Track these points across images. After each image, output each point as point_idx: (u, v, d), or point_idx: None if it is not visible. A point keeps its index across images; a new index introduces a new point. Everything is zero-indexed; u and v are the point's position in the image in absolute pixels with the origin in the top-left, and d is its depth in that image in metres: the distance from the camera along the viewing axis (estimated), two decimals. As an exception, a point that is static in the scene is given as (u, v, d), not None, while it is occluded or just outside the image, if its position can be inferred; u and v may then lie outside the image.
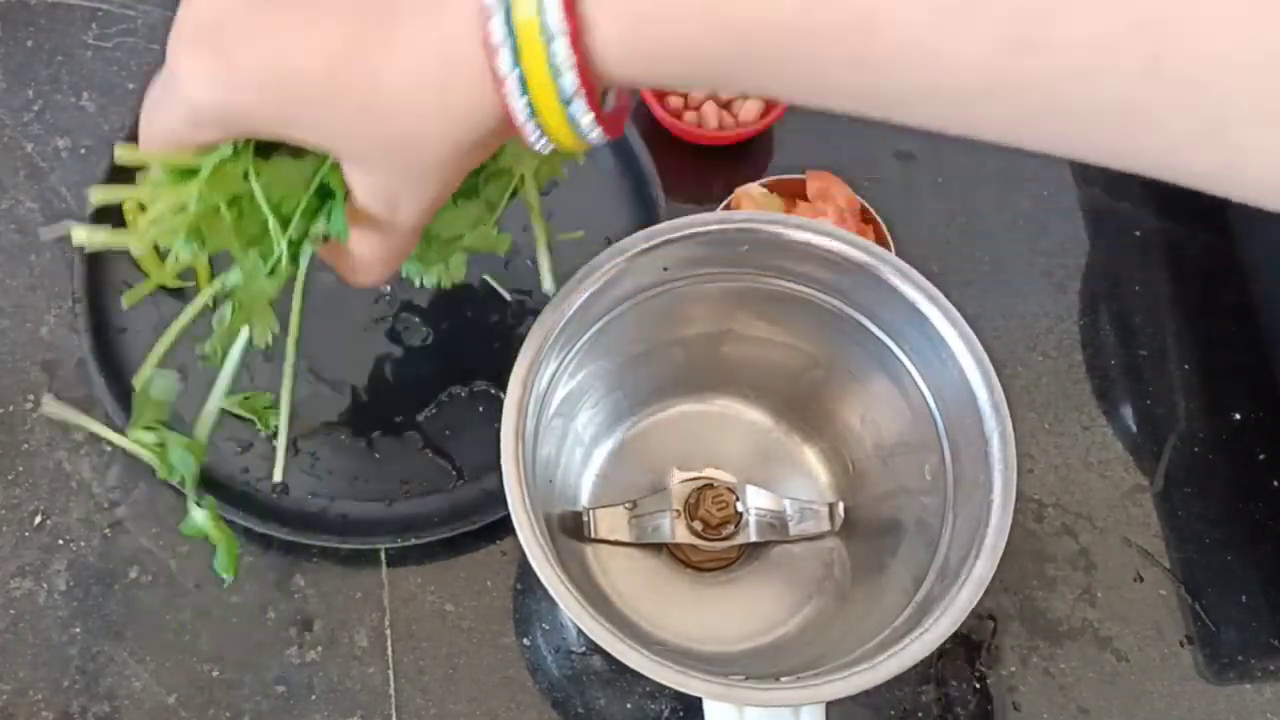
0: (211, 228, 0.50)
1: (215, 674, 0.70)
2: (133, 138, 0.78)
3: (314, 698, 0.70)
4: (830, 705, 0.57)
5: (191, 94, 0.46)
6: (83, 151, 0.81)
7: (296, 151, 0.50)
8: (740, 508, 0.66)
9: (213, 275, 0.78)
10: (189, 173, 0.50)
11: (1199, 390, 0.79)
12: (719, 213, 0.62)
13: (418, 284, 0.67)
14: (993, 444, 0.58)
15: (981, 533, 0.57)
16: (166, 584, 0.72)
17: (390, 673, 0.71)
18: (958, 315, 0.60)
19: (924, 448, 0.63)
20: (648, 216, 0.79)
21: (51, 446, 0.75)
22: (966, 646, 0.73)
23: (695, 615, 0.69)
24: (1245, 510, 0.77)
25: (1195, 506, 0.77)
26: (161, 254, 0.61)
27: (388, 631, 0.72)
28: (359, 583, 0.73)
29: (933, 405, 0.63)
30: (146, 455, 0.65)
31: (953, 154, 0.85)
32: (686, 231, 0.61)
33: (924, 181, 0.84)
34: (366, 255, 0.53)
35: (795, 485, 0.71)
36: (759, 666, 0.66)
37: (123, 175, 0.78)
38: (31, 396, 0.76)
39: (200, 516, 0.63)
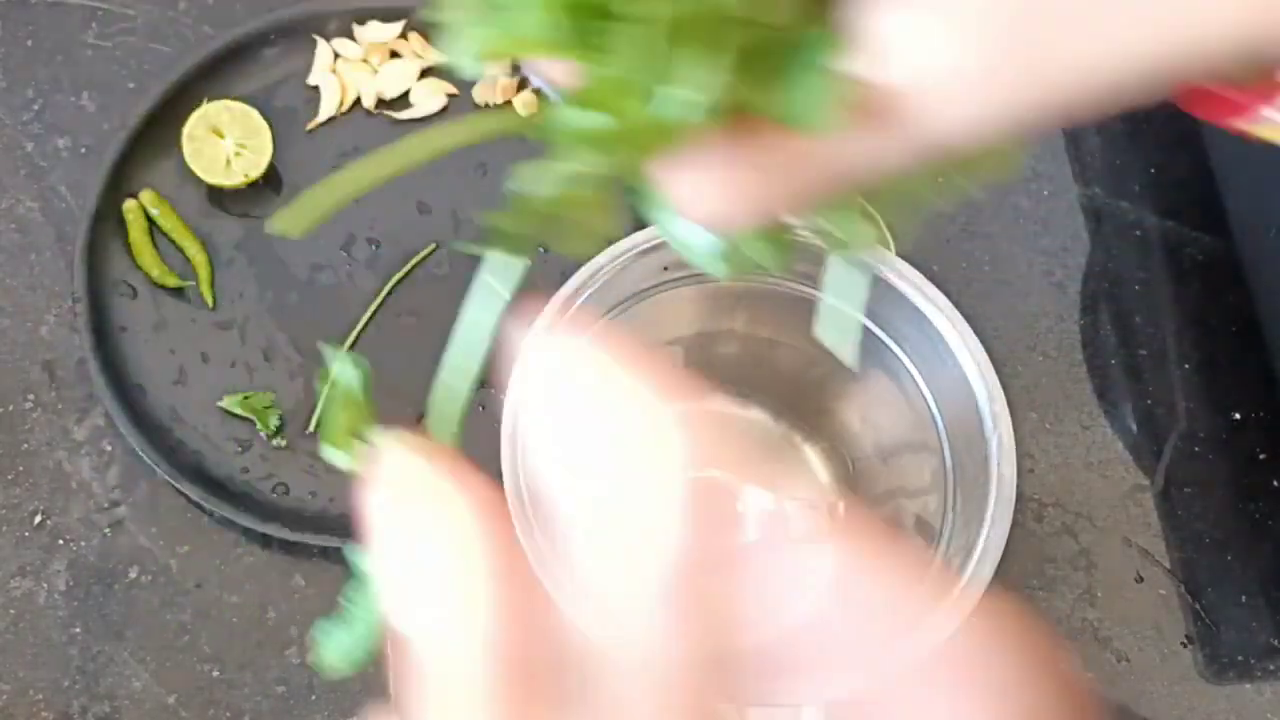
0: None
1: (215, 674, 0.70)
2: (135, 137, 0.78)
3: (314, 698, 0.70)
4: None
5: None
6: (83, 151, 0.81)
7: None
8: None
9: (213, 275, 0.78)
10: None
11: (1199, 390, 0.79)
12: (719, 212, 0.62)
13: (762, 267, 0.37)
14: (993, 444, 0.58)
15: (981, 532, 0.56)
16: (166, 584, 0.72)
17: (390, 673, 0.71)
18: (958, 315, 0.60)
19: (924, 448, 0.63)
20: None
21: (51, 446, 0.75)
22: (967, 646, 0.73)
23: (695, 615, 0.69)
24: (1245, 510, 0.77)
25: (1195, 506, 0.77)
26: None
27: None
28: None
29: (933, 405, 0.63)
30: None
31: (953, 154, 0.84)
32: (686, 231, 0.61)
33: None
34: (814, 170, 0.28)
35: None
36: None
37: (122, 175, 0.79)
38: (31, 396, 0.76)
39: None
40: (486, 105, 0.83)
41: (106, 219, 0.78)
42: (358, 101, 0.83)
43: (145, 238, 0.78)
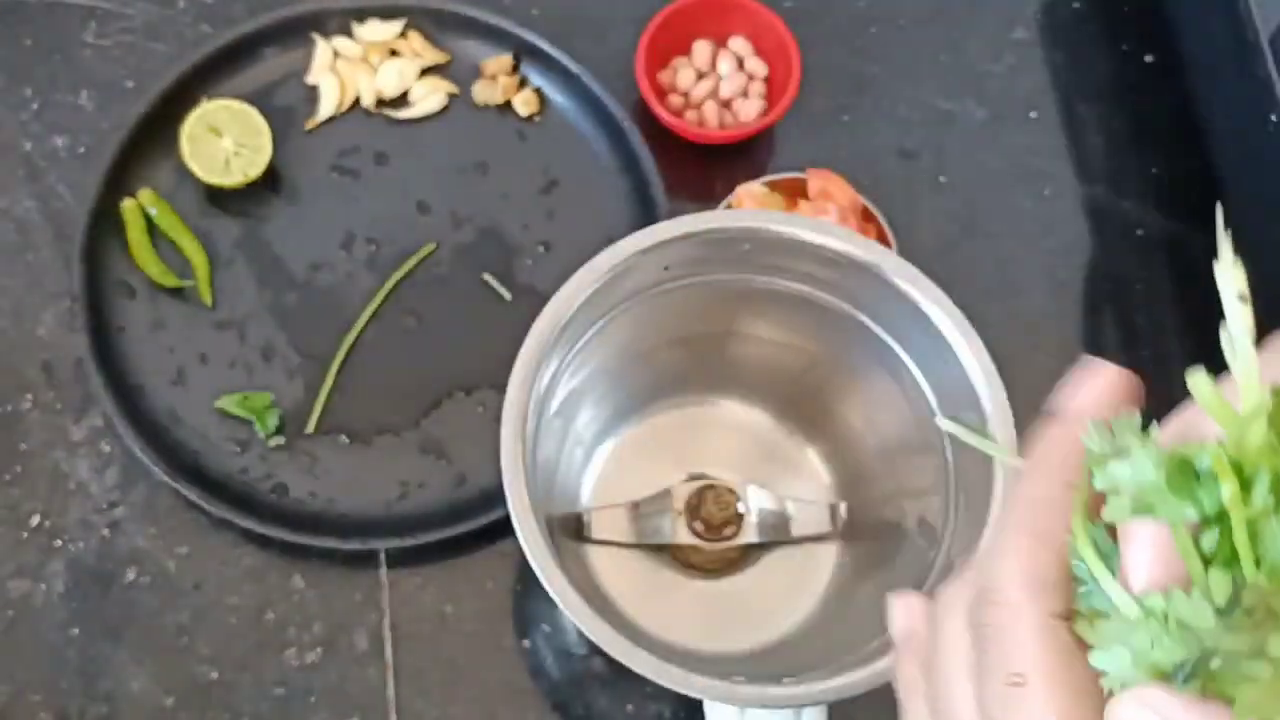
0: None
1: (213, 676, 0.70)
2: (133, 136, 0.78)
3: (313, 700, 0.70)
4: (832, 706, 0.56)
5: None
6: (81, 150, 0.81)
7: None
8: (742, 508, 0.66)
9: (212, 275, 0.78)
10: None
11: (1201, 390, 0.79)
12: (719, 212, 0.62)
13: None
14: (995, 444, 0.58)
15: (984, 533, 0.56)
16: (164, 585, 0.72)
17: (390, 674, 0.71)
18: (960, 315, 0.59)
19: (926, 448, 0.63)
20: (648, 216, 0.78)
21: (49, 447, 0.74)
22: (968, 647, 0.73)
23: (696, 616, 0.68)
24: (1248, 511, 0.77)
25: (1198, 507, 0.76)
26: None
27: (387, 633, 0.71)
28: (358, 584, 0.72)
29: (934, 405, 0.62)
30: None
31: (955, 153, 0.84)
32: (686, 231, 0.60)
33: (925, 181, 0.84)
34: None
35: (797, 485, 0.71)
36: (760, 667, 0.66)
37: (121, 175, 0.78)
38: (29, 396, 0.75)
39: None
40: (486, 105, 0.83)
41: (105, 219, 0.77)
42: (357, 101, 0.83)
43: (144, 237, 0.78)
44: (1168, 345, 0.80)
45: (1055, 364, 0.84)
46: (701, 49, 0.83)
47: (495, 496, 0.72)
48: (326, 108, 0.82)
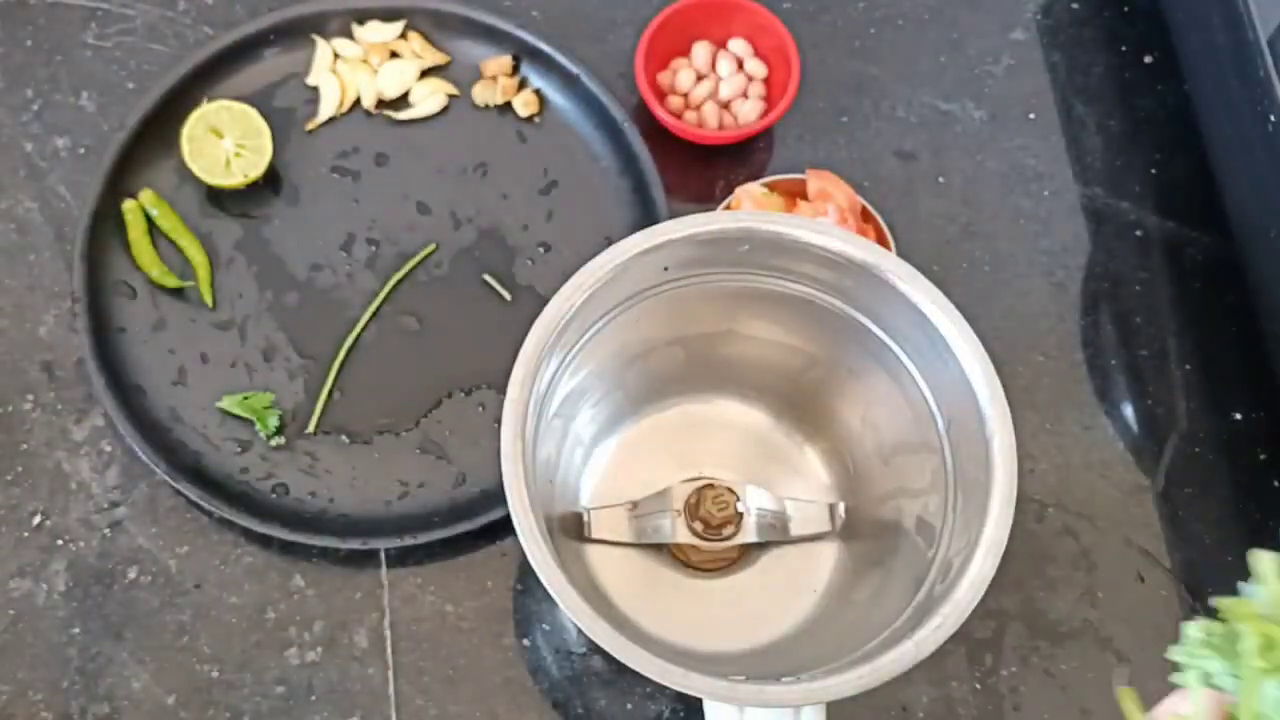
0: None
1: (215, 674, 0.70)
2: (134, 137, 0.78)
3: (314, 698, 0.70)
4: (831, 705, 0.57)
5: None
6: (82, 151, 0.81)
7: None
8: (741, 508, 0.66)
9: (213, 275, 0.78)
10: None
11: (1199, 390, 0.79)
12: (719, 213, 0.62)
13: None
14: (993, 444, 0.58)
15: (982, 533, 0.56)
16: (165, 584, 0.72)
17: (390, 673, 0.71)
18: (958, 315, 0.60)
19: (924, 448, 0.63)
20: (648, 216, 0.79)
21: (51, 447, 0.74)
22: (967, 646, 0.73)
23: (696, 616, 0.69)
24: (1245, 510, 0.77)
25: (1196, 506, 0.77)
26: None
27: (387, 632, 0.72)
28: (359, 583, 0.72)
29: (933, 405, 0.63)
30: None
31: (953, 154, 0.85)
32: (686, 231, 0.61)
33: (924, 181, 0.84)
34: None
35: (795, 485, 0.71)
36: (760, 666, 0.66)
37: (121, 175, 0.79)
38: (31, 396, 0.76)
39: None
40: (486, 106, 0.83)
41: (106, 219, 0.78)
42: (357, 101, 0.83)
43: (145, 238, 0.78)
44: (1166, 345, 0.80)
45: (1054, 364, 0.85)
46: (701, 50, 0.83)
47: (495, 496, 0.73)
48: (327, 109, 0.82)
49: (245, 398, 0.75)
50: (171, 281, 0.77)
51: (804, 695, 0.54)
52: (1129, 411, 0.79)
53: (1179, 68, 0.87)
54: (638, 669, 0.53)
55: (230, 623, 0.71)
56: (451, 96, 0.83)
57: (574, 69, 0.82)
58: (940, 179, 0.84)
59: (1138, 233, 0.84)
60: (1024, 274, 0.82)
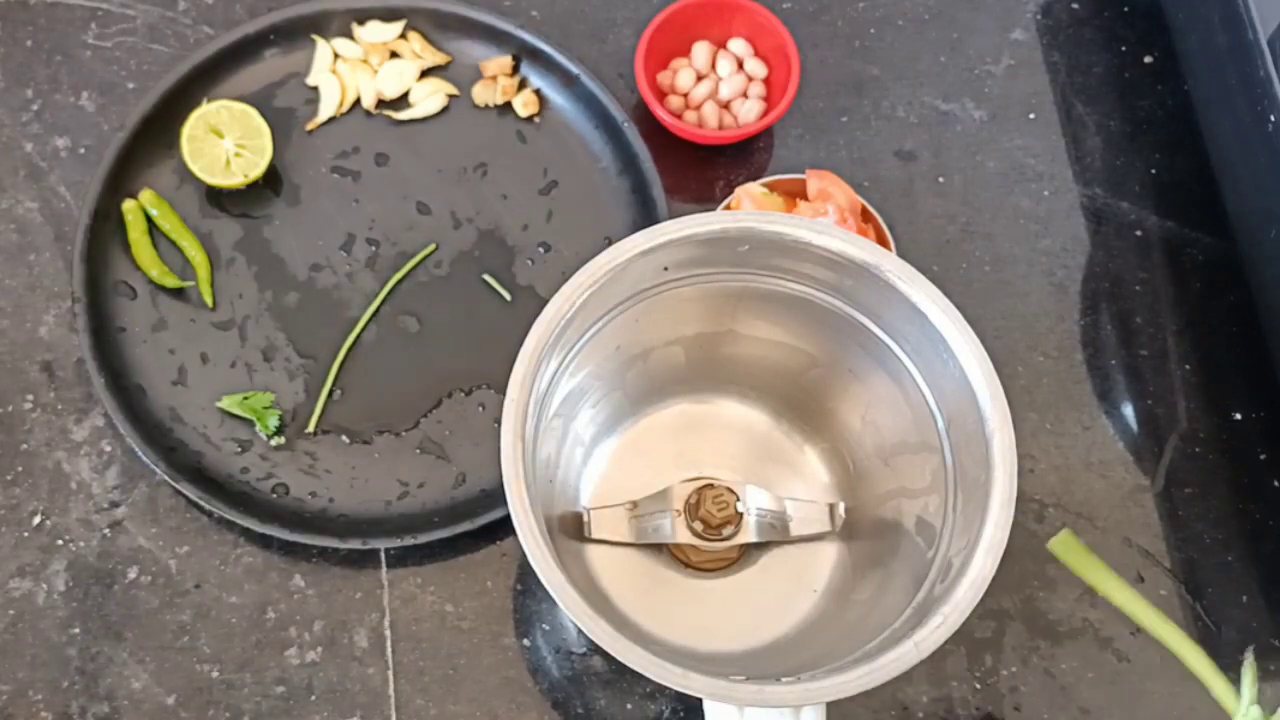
0: None
1: (215, 674, 0.70)
2: (134, 137, 0.78)
3: (314, 698, 0.70)
4: (831, 705, 0.57)
5: None
6: (82, 151, 0.81)
7: None
8: (741, 508, 0.66)
9: (213, 275, 0.78)
10: None
11: (1199, 390, 0.79)
12: (719, 213, 0.62)
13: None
14: (993, 444, 0.58)
15: (982, 533, 0.56)
16: (165, 584, 0.72)
17: (390, 673, 0.71)
18: (958, 315, 0.60)
19: (924, 448, 0.63)
20: (648, 216, 0.79)
21: (51, 446, 0.75)
22: (967, 646, 0.73)
23: (695, 615, 0.69)
24: (1245, 510, 0.77)
25: (1196, 506, 0.77)
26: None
27: (387, 632, 0.72)
28: (359, 583, 0.72)
29: (933, 405, 0.63)
30: None
31: (953, 154, 0.85)
32: (686, 231, 0.61)
33: (924, 181, 0.84)
34: None
35: (795, 485, 0.71)
36: (759, 667, 0.66)
37: (122, 175, 0.79)
38: (31, 396, 0.76)
39: None
40: (486, 106, 0.83)
41: (106, 219, 0.78)
42: (357, 102, 0.83)
43: (145, 238, 0.78)
44: (1166, 345, 0.80)
45: (1053, 364, 0.85)
46: (701, 50, 0.83)
47: (495, 496, 0.73)
48: (327, 109, 0.82)
49: (245, 398, 0.75)
50: (171, 281, 0.77)
51: (804, 695, 0.54)
52: (1129, 411, 0.79)
53: (1179, 68, 0.87)
54: (638, 669, 0.53)
55: (230, 623, 0.71)
56: (451, 96, 0.83)
57: (574, 69, 0.82)
58: (940, 179, 0.84)
59: (1138, 233, 0.84)
60: (1024, 274, 0.82)
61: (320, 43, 0.83)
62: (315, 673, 0.71)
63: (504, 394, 0.58)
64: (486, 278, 0.79)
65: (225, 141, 0.79)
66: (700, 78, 0.83)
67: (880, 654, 0.55)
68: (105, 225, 0.77)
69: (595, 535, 0.68)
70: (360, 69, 0.83)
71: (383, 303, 0.78)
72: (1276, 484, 0.78)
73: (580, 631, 0.55)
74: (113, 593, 0.72)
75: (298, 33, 0.83)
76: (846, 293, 0.63)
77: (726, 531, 0.66)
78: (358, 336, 0.78)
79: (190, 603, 0.72)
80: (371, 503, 0.74)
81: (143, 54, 0.84)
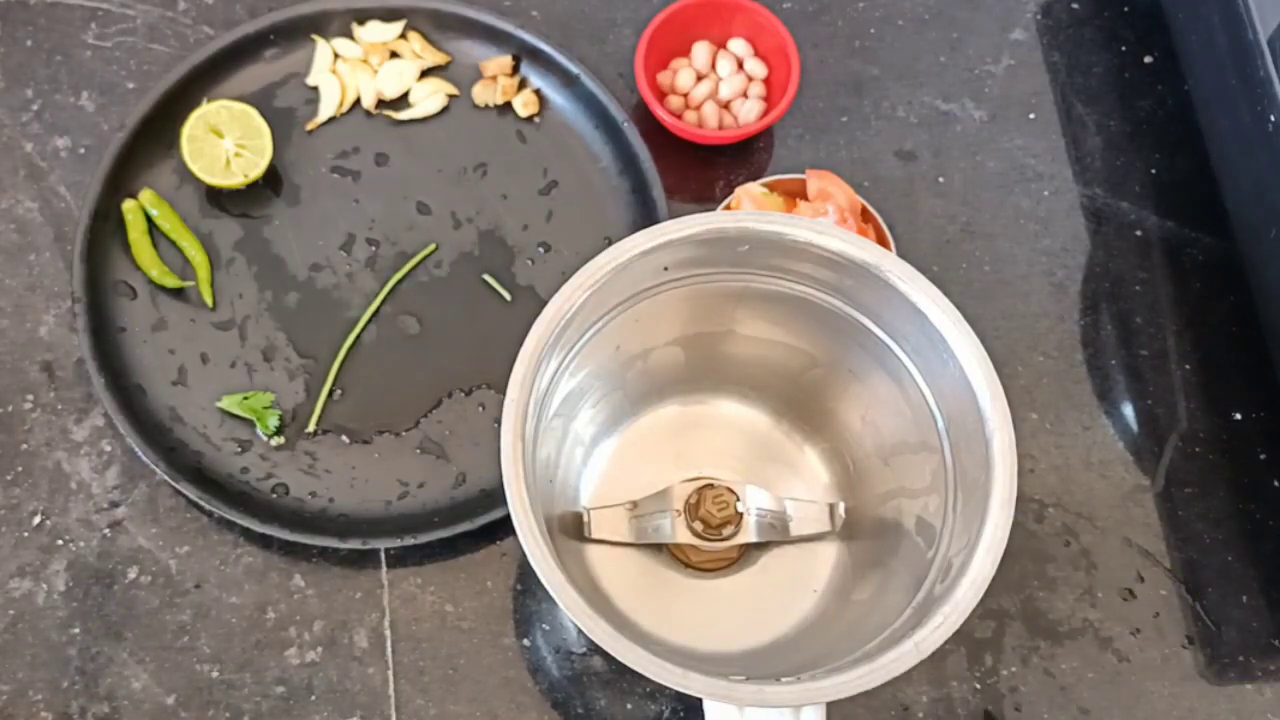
0: None
1: (215, 674, 0.70)
2: (134, 137, 0.78)
3: (314, 698, 0.70)
4: (831, 705, 0.57)
5: None
6: (82, 151, 0.81)
7: None
8: (741, 508, 0.66)
9: (213, 275, 0.78)
10: None
11: (1199, 390, 0.79)
12: (719, 213, 0.62)
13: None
14: (993, 444, 0.58)
15: (982, 532, 0.56)
16: (165, 584, 0.72)
17: (390, 673, 0.71)
18: (958, 315, 0.60)
19: (924, 448, 0.63)
20: (648, 216, 0.79)
21: (51, 447, 0.75)
22: (967, 646, 0.73)
23: (695, 615, 0.69)
24: (1246, 510, 0.77)
25: (1196, 506, 0.77)
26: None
27: (387, 632, 0.72)
28: (359, 583, 0.72)
29: (933, 405, 0.63)
30: None
31: (954, 154, 0.85)
32: (686, 231, 0.61)
33: (924, 181, 0.84)
34: None
35: (795, 485, 0.71)
36: (759, 667, 0.66)
37: (122, 175, 0.79)
38: (31, 396, 0.76)
39: None
40: (486, 106, 0.83)
41: (106, 219, 0.78)
42: (357, 102, 0.83)
43: (145, 238, 0.78)
44: (1166, 345, 0.80)
45: (1053, 364, 0.85)
46: (701, 50, 0.83)
47: (495, 496, 0.73)
48: (327, 109, 0.82)
49: (245, 398, 0.75)
50: (171, 281, 0.77)
51: (804, 695, 0.54)
52: (1129, 411, 0.79)
53: (1179, 68, 0.87)
54: (637, 669, 0.53)
55: (230, 623, 0.71)
56: (451, 96, 0.83)
57: (574, 69, 0.82)
58: (940, 179, 0.84)
59: (1138, 233, 0.84)
60: (1024, 274, 0.82)
61: (320, 43, 0.83)
62: (315, 673, 0.71)
63: (504, 394, 0.58)
64: (486, 278, 0.79)
65: (225, 141, 0.79)
66: (700, 78, 0.83)
67: (880, 654, 0.55)
68: (105, 225, 0.77)
69: (595, 535, 0.68)
70: (360, 69, 0.83)
71: (383, 303, 0.78)
72: (1276, 484, 0.78)
73: (580, 631, 0.55)
74: (113, 593, 0.72)
75: (298, 33, 0.83)
76: (846, 293, 0.63)
77: (726, 531, 0.66)
78: (358, 336, 0.78)
79: (190, 603, 0.72)
80: (371, 503, 0.74)
81: (143, 54, 0.84)
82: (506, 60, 0.83)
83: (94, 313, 0.76)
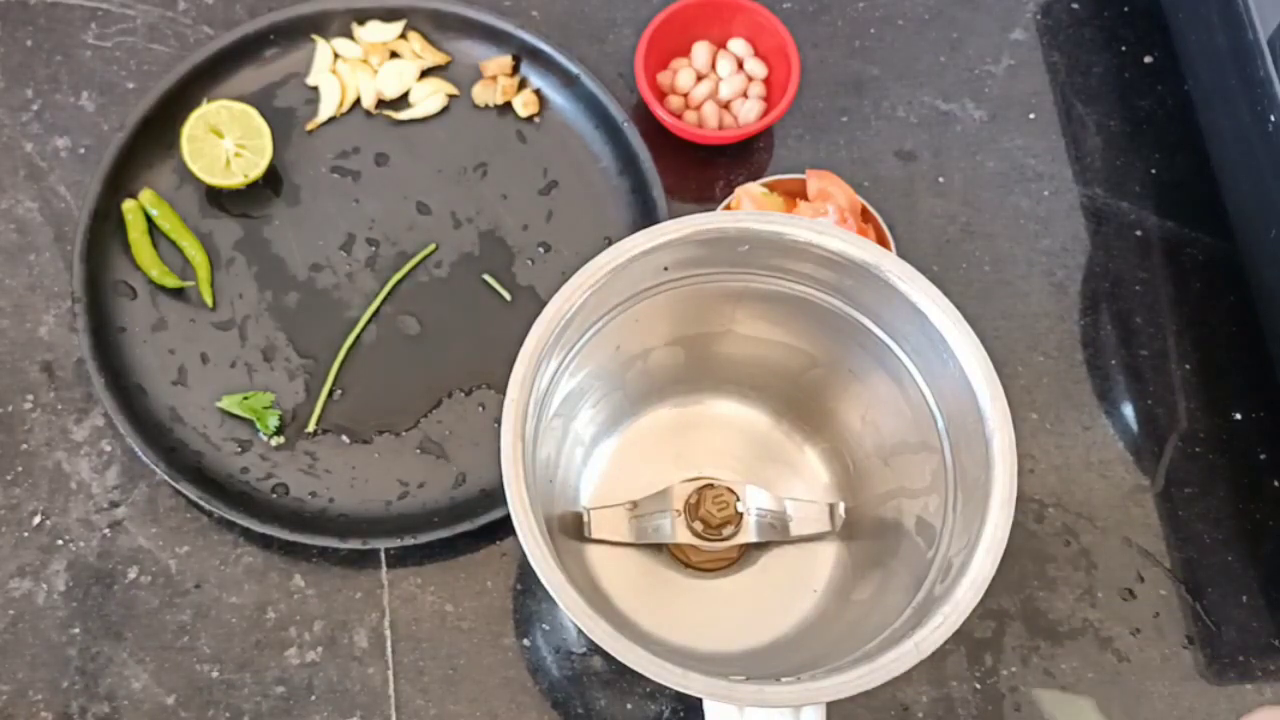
0: None
1: (215, 674, 0.70)
2: (134, 137, 0.78)
3: (314, 698, 0.70)
4: (831, 705, 0.57)
5: None
6: (82, 151, 0.81)
7: None
8: (741, 508, 0.66)
9: (213, 275, 0.78)
10: None
11: (1199, 390, 0.79)
12: (719, 213, 0.62)
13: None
14: (993, 444, 0.58)
15: (982, 533, 0.56)
16: (165, 584, 0.72)
17: (390, 673, 0.71)
18: (958, 315, 0.60)
19: (924, 448, 0.63)
20: (648, 216, 0.79)
21: (51, 446, 0.75)
22: (967, 646, 0.73)
23: (695, 615, 0.69)
24: (1245, 510, 0.77)
25: (1196, 506, 0.77)
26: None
27: (387, 632, 0.72)
28: (359, 583, 0.72)
29: (933, 405, 0.63)
30: None
31: (954, 154, 0.85)
32: (686, 231, 0.61)
33: (924, 181, 0.84)
34: None
35: (795, 485, 0.71)
36: (759, 666, 0.66)
37: (122, 175, 0.79)
38: (31, 396, 0.76)
39: None
40: (486, 106, 0.83)
41: (106, 219, 0.78)
42: (357, 102, 0.83)
43: (145, 238, 0.78)
44: (1166, 345, 0.80)
45: (1053, 364, 0.85)
46: (701, 50, 0.83)
47: (495, 496, 0.73)
48: (327, 109, 0.82)
49: (245, 398, 0.75)
50: (171, 281, 0.77)
51: (804, 695, 0.54)
52: (1129, 411, 0.79)
53: (1179, 68, 0.87)
54: (637, 669, 0.53)
55: (230, 623, 0.71)
56: (451, 96, 0.83)
57: (574, 69, 0.82)
58: (940, 179, 0.84)
59: (1138, 233, 0.84)
60: (1024, 274, 0.82)
61: (320, 43, 0.83)
62: (315, 673, 0.71)
63: (504, 394, 0.58)
64: (486, 278, 0.79)
65: (225, 141, 0.79)
66: (700, 78, 0.83)
67: (880, 654, 0.55)
68: (105, 225, 0.77)
69: (595, 535, 0.68)
70: (360, 69, 0.83)
71: (383, 303, 0.78)
72: (1276, 484, 0.78)
73: (580, 631, 0.55)
74: (113, 593, 0.72)
75: (298, 33, 0.83)
76: (846, 293, 0.63)
77: (726, 531, 0.66)
78: (358, 336, 0.78)
79: (190, 603, 0.72)
80: (371, 503, 0.74)
81: (143, 54, 0.84)
82: (506, 60, 0.83)
83: (94, 313, 0.76)
